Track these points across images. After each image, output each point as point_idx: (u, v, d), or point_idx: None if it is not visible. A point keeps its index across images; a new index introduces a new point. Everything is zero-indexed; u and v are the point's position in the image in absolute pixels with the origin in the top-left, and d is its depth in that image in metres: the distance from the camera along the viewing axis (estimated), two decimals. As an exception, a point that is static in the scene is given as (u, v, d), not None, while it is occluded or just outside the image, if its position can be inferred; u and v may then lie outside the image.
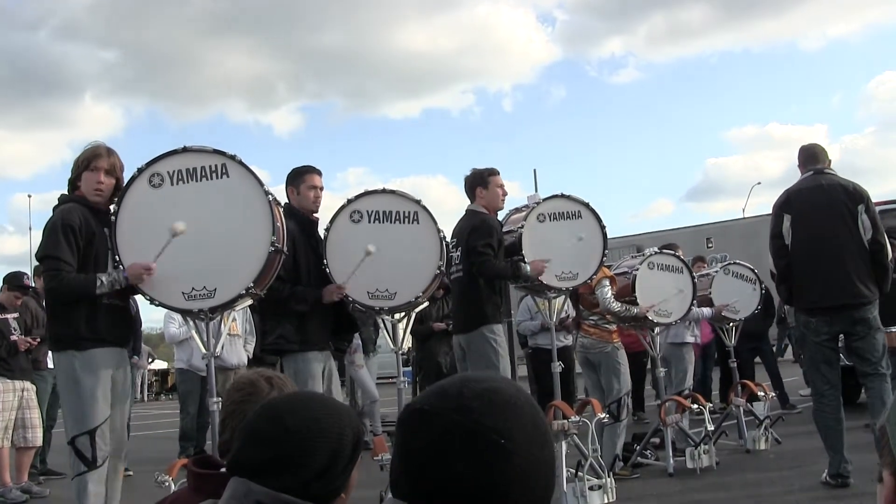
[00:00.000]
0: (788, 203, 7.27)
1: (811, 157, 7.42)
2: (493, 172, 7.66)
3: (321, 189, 6.69)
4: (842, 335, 7.13)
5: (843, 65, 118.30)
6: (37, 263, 7.35)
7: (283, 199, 6.42)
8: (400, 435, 1.61)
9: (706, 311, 10.13)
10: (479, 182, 7.63)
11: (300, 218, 6.47)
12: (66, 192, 5.58)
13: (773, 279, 7.64)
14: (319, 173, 6.71)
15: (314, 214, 6.68)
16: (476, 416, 1.52)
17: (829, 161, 7.40)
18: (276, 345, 6.46)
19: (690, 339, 10.20)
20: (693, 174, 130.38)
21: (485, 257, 7.22)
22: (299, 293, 6.33)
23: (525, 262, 7.35)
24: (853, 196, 7.08)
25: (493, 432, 1.51)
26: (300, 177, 6.63)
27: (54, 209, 5.50)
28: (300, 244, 6.35)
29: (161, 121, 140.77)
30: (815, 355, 7.11)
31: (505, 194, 7.70)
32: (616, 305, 8.49)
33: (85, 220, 5.36)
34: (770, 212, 7.60)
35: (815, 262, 7.06)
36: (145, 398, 32.64)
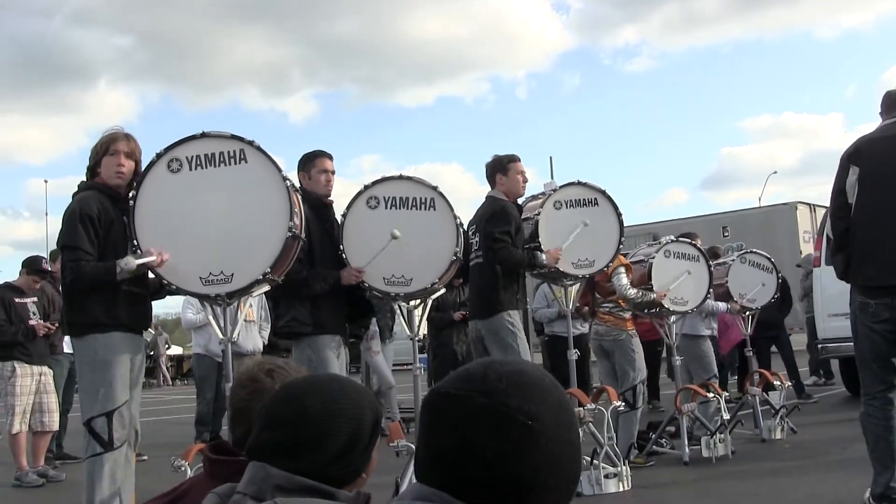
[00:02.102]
0: (858, 153, 5.65)
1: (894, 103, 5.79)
2: (513, 159, 7.64)
3: (332, 173, 6.67)
4: None
5: (858, 54, 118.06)
6: (53, 248, 7.40)
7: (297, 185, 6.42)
8: (425, 418, 1.61)
9: (721, 305, 10.09)
10: (499, 169, 7.61)
11: (314, 202, 6.45)
12: (85, 180, 5.60)
13: (829, 246, 6.05)
14: (330, 157, 6.69)
15: (328, 199, 6.67)
16: (502, 397, 1.52)
17: None
18: (289, 328, 6.46)
19: (706, 332, 10.12)
20: (708, 163, 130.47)
21: (501, 244, 7.21)
22: (319, 273, 6.33)
23: (541, 251, 7.35)
24: None
25: (519, 413, 1.52)
26: (311, 161, 6.62)
27: (73, 196, 5.52)
28: (314, 229, 6.35)
29: (176, 107, 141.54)
30: (869, 346, 5.63)
31: (525, 181, 7.68)
32: (633, 292, 8.47)
33: (103, 208, 5.38)
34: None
35: (882, 230, 5.50)
36: (161, 383, 32.77)
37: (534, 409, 1.53)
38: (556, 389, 1.61)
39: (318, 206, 6.48)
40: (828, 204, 6.21)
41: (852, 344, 5.96)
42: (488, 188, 7.76)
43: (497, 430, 1.50)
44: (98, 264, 5.28)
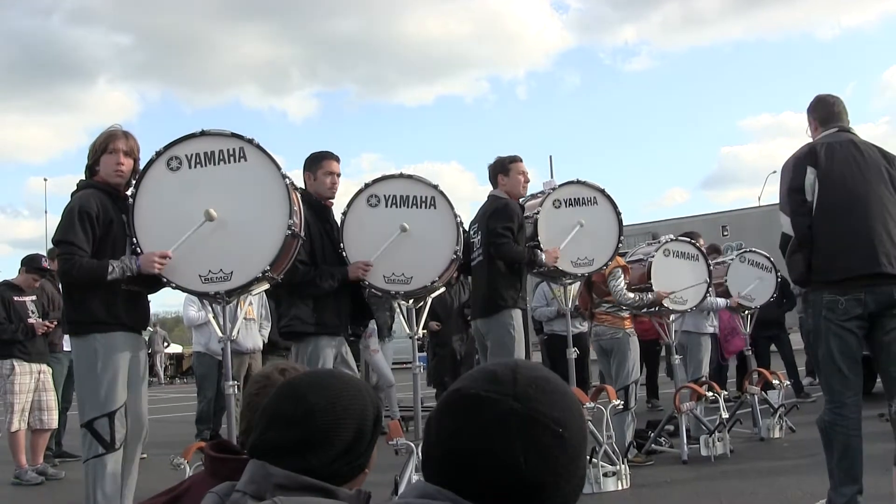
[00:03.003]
0: (814, 155, 5.58)
1: (834, 116, 5.83)
2: (514, 160, 7.65)
3: (338, 175, 6.67)
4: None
5: (858, 54, 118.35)
6: (51, 247, 7.39)
7: (300, 184, 6.39)
8: (448, 417, 1.59)
9: (721, 301, 10.10)
10: (501, 169, 7.62)
11: (314, 203, 6.44)
12: (84, 178, 5.59)
13: (783, 249, 5.83)
14: (337, 159, 6.68)
15: (329, 200, 6.67)
16: (534, 403, 1.53)
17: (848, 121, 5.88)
18: (290, 326, 6.45)
19: (709, 330, 10.12)
20: (708, 162, 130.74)
21: (503, 240, 7.22)
22: (326, 271, 6.34)
23: (541, 250, 7.35)
24: (890, 157, 5.68)
25: (551, 421, 1.52)
26: (317, 162, 6.61)
27: (72, 195, 5.52)
28: (315, 230, 6.34)
29: (175, 106, 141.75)
30: (839, 346, 5.38)
31: (527, 181, 7.68)
32: (630, 296, 8.48)
33: (103, 206, 5.38)
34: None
35: (850, 223, 5.44)
36: (161, 380, 32.77)
37: (563, 416, 1.54)
38: (575, 398, 1.63)
39: (317, 206, 6.48)
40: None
41: None
42: (488, 187, 7.78)
43: (527, 436, 1.51)
44: (91, 261, 5.28)
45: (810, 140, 5.85)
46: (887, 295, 5.35)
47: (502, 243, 7.23)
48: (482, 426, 1.52)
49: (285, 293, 6.38)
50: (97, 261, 5.28)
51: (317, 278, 6.29)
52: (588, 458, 6.98)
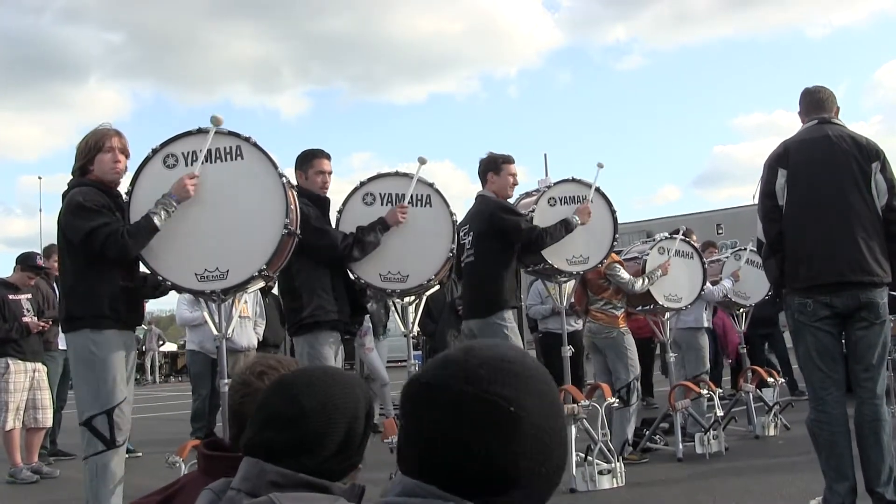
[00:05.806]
0: (786, 156, 5.70)
1: (816, 103, 5.86)
2: (507, 160, 7.61)
3: (329, 174, 6.64)
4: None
5: (850, 53, 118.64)
6: (46, 244, 7.37)
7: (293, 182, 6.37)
8: (406, 409, 1.57)
9: (727, 282, 10.08)
10: (492, 167, 7.59)
11: (314, 198, 6.40)
12: (74, 178, 5.53)
13: (760, 251, 6.02)
14: (328, 157, 6.64)
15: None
16: (484, 384, 1.48)
17: (838, 109, 5.89)
18: (315, 317, 6.33)
19: (706, 324, 10.15)
20: (700, 161, 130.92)
21: (532, 227, 7.28)
22: (362, 228, 6.32)
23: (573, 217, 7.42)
24: (866, 152, 5.56)
25: (502, 399, 1.47)
26: (308, 161, 6.58)
27: (64, 194, 5.45)
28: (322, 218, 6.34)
29: (168, 104, 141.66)
30: (815, 344, 5.51)
31: (515, 183, 7.64)
32: (639, 284, 8.54)
33: (103, 202, 5.34)
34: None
35: (814, 229, 5.54)
36: (157, 380, 32.73)
37: (516, 395, 1.48)
38: (539, 374, 1.56)
39: (316, 199, 6.43)
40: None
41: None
42: (479, 186, 7.75)
43: (480, 419, 1.46)
44: (135, 223, 5.20)
45: None
46: (853, 298, 5.45)
47: (538, 232, 7.30)
48: (434, 413, 1.50)
49: (302, 283, 6.30)
50: (138, 220, 5.21)
51: (361, 235, 6.28)
52: (583, 455, 7.01)
